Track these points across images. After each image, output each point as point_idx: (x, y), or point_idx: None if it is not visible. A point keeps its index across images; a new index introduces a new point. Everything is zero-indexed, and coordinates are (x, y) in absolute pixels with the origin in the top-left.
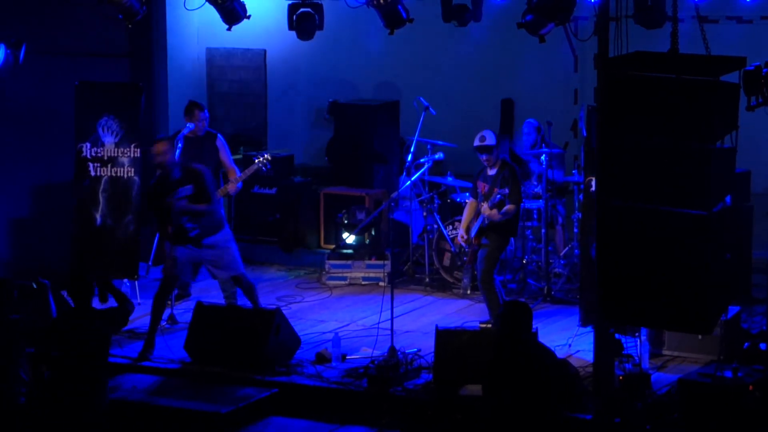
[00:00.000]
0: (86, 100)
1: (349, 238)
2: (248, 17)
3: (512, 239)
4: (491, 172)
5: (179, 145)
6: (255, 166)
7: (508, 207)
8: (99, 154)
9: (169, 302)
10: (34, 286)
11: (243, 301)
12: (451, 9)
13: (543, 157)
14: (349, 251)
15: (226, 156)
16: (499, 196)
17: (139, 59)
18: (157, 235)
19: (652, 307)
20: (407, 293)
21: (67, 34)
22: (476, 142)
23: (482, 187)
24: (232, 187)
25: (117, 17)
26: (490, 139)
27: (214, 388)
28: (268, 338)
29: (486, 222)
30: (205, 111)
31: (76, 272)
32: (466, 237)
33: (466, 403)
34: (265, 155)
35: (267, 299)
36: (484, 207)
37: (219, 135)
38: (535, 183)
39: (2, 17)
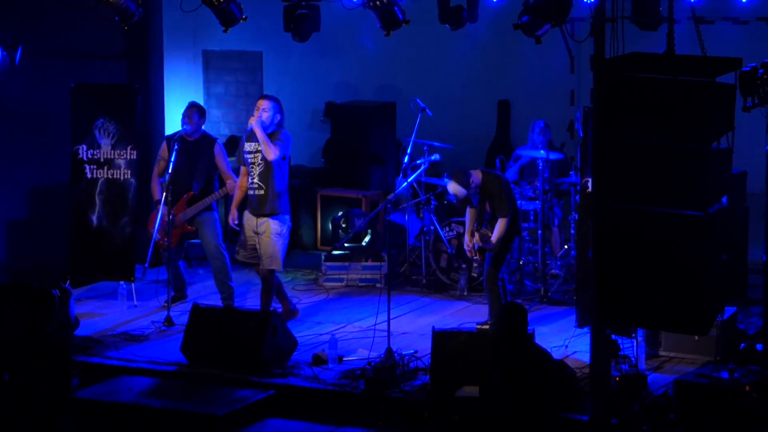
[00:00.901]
0: (82, 102)
1: (344, 240)
2: (244, 19)
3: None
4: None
5: (176, 146)
6: None
7: (498, 227)
8: (95, 157)
9: (166, 304)
10: (56, 292)
11: (240, 303)
12: (448, 10)
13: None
14: (346, 252)
15: (223, 163)
16: (485, 225)
17: (135, 61)
18: (154, 237)
19: (649, 308)
20: (404, 295)
21: (64, 36)
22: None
23: (475, 199)
24: (231, 186)
25: (113, 19)
26: (450, 188)
27: (211, 390)
28: (264, 340)
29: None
30: (196, 113)
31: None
32: (471, 245)
33: (464, 404)
34: None
35: None
36: (476, 237)
37: (218, 141)
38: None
39: None
